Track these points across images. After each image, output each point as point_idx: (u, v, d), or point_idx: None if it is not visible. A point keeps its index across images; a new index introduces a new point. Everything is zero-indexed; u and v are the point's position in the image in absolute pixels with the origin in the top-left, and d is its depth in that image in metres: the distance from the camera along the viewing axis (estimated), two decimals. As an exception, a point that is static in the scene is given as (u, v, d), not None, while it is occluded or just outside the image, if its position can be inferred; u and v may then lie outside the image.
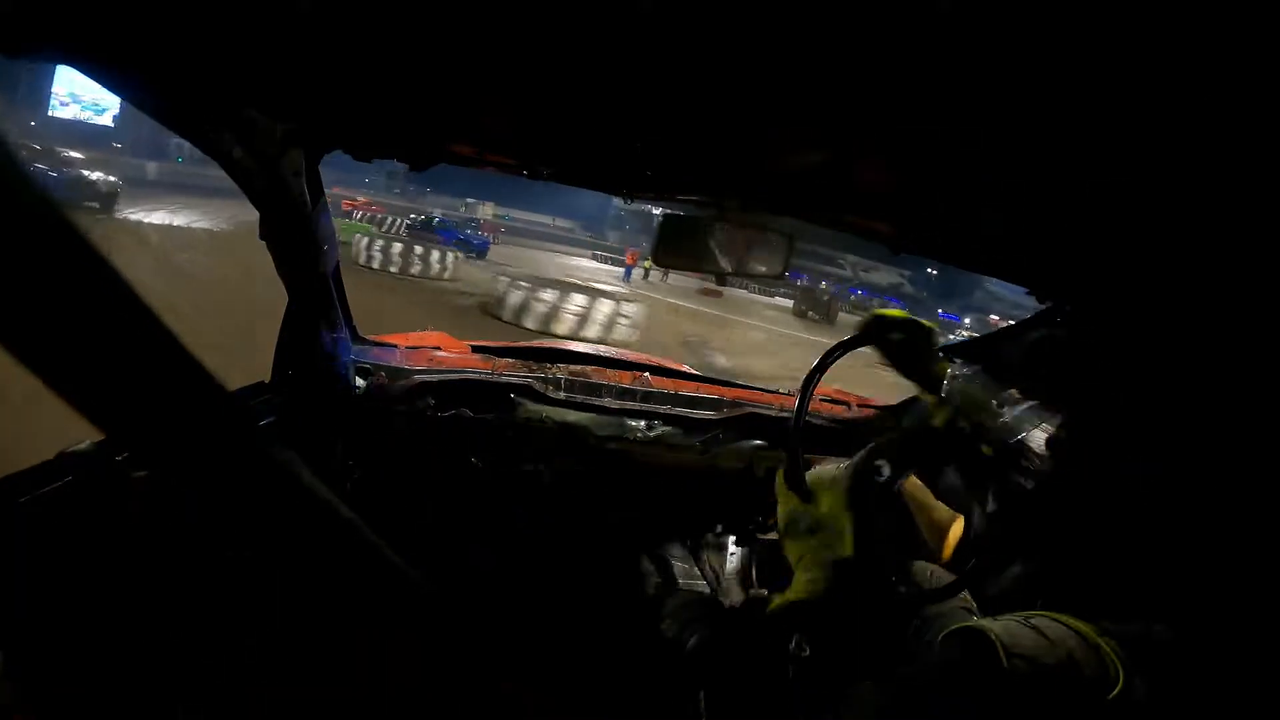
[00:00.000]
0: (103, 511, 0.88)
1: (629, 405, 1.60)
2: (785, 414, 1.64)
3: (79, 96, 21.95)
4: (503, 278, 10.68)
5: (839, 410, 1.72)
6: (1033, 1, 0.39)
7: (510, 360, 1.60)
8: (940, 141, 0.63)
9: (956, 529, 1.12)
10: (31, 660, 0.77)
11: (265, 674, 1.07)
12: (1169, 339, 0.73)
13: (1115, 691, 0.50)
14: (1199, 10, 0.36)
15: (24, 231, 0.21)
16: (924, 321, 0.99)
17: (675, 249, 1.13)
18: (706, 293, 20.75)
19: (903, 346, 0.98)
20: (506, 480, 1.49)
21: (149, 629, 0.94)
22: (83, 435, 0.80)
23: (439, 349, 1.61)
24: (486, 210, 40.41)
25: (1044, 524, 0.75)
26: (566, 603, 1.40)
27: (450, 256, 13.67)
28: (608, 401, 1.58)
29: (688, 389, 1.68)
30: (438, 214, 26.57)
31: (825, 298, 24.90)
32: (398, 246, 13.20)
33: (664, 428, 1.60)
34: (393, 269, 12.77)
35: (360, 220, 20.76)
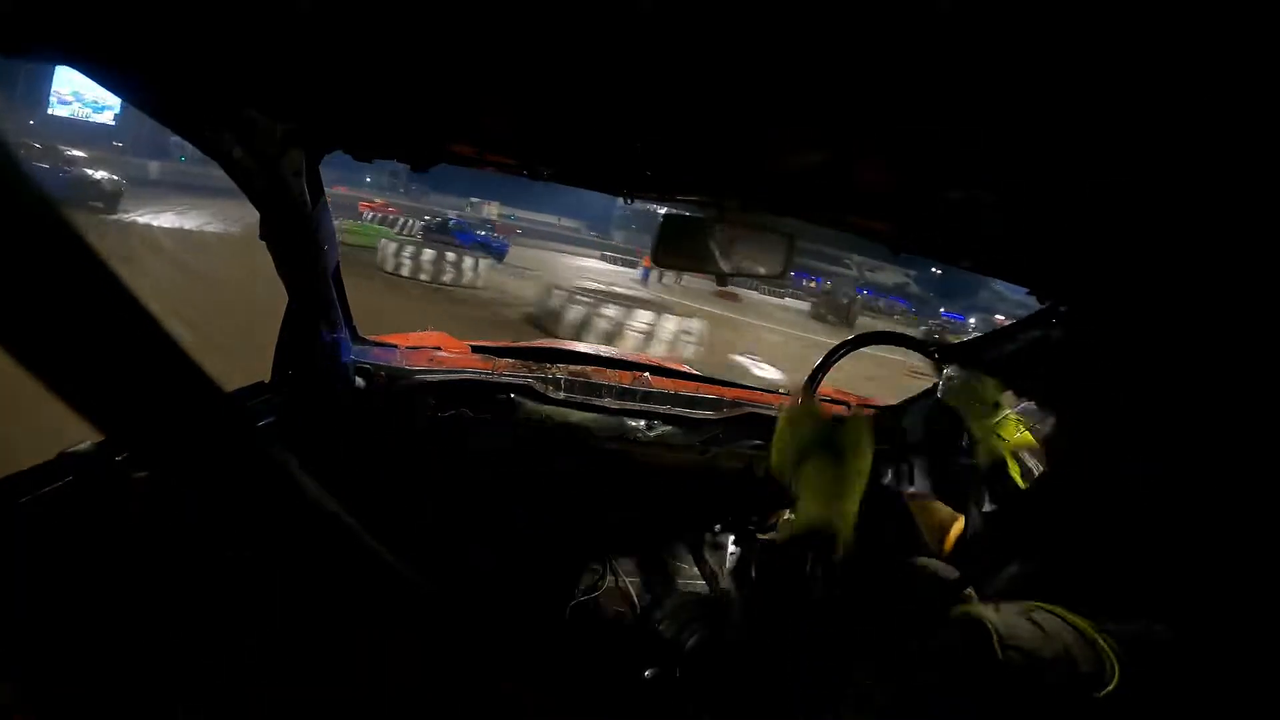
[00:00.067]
0: (103, 512, 0.88)
1: (629, 405, 1.60)
2: None
3: (81, 95, 21.81)
4: (558, 290, 10.09)
5: (839, 410, 1.72)
6: (1033, 1, 0.39)
7: (510, 360, 1.60)
8: (940, 141, 0.63)
9: (957, 529, 1.13)
10: (31, 660, 0.77)
11: (265, 674, 1.07)
12: (1168, 339, 0.73)
13: (1109, 688, 0.51)
14: (1199, 10, 0.36)
15: (23, 232, 0.21)
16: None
17: (676, 249, 1.13)
18: (722, 295, 20.28)
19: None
20: (506, 480, 1.49)
21: (149, 629, 0.94)
22: (83, 435, 0.80)
23: (439, 349, 1.61)
24: (492, 210, 39.75)
25: (1041, 524, 0.75)
26: (566, 603, 1.40)
27: (482, 263, 13.04)
28: (608, 401, 1.58)
29: (688, 389, 1.68)
30: (453, 215, 25.49)
31: (845, 301, 24.63)
32: (428, 253, 12.53)
33: (664, 427, 1.60)
34: (423, 276, 12.14)
35: (372, 222, 19.75)
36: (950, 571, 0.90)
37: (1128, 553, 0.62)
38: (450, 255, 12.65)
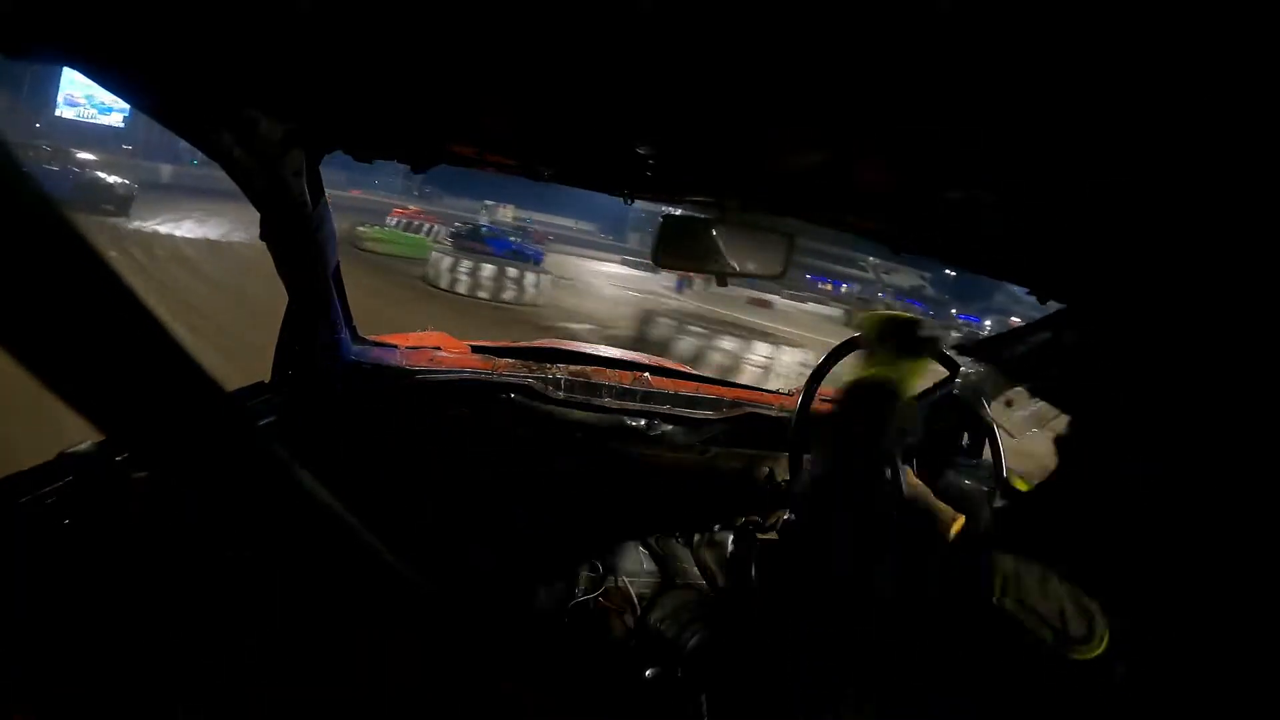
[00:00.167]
0: (103, 512, 0.88)
1: (629, 405, 1.60)
2: (785, 414, 1.64)
3: (94, 98, 21.41)
4: (664, 319, 9.12)
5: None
6: (1033, 1, 0.39)
7: (510, 360, 1.60)
8: (940, 141, 0.63)
9: (957, 529, 1.13)
10: (31, 660, 0.77)
11: (265, 674, 1.07)
12: (1168, 339, 0.73)
13: (1095, 651, 0.52)
14: (1199, 10, 0.36)
15: (23, 232, 0.21)
16: (902, 314, 1.02)
17: (676, 249, 1.13)
18: (756, 303, 19.87)
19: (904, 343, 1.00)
20: (506, 480, 1.49)
21: (149, 629, 0.94)
22: (83, 435, 0.80)
23: (439, 349, 1.61)
24: (507, 213, 38.74)
25: (1048, 522, 0.75)
26: (566, 603, 1.40)
27: (544, 279, 12.02)
28: (608, 401, 1.58)
29: (687, 389, 1.68)
30: (484, 221, 23.81)
31: (879, 308, 23.84)
32: (488, 268, 11.28)
33: (664, 427, 1.60)
34: (482, 294, 10.96)
35: (396, 228, 17.85)
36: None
37: (1129, 551, 0.62)
38: (512, 271, 11.55)
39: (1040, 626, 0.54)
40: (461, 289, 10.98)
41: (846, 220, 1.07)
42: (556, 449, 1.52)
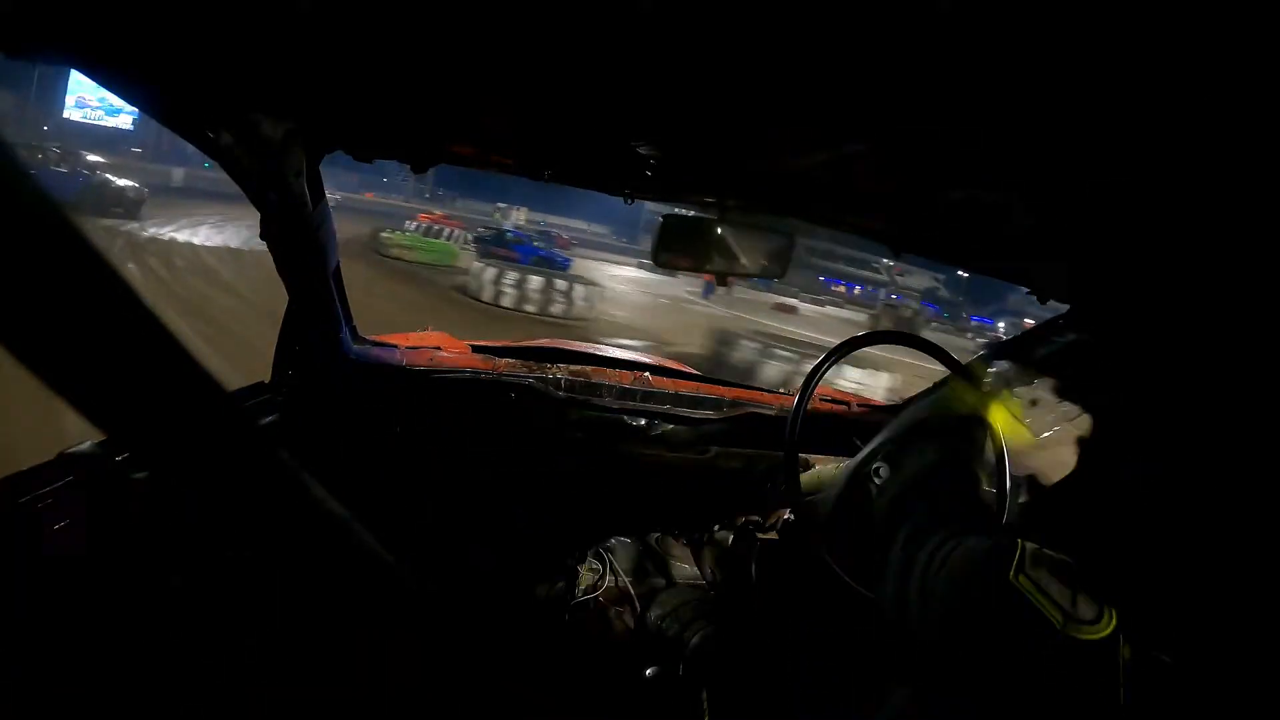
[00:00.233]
0: (103, 512, 0.88)
1: (629, 405, 1.60)
2: (785, 414, 1.64)
3: (106, 100, 20.99)
4: (747, 342, 8.39)
5: (839, 410, 1.72)
6: (1033, 1, 0.39)
7: (510, 360, 1.60)
8: (940, 142, 0.63)
9: None
10: (31, 660, 0.77)
11: (265, 674, 1.07)
12: (1169, 340, 0.73)
13: (1101, 634, 0.52)
14: (1200, 11, 0.36)
15: (23, 232, 0.21)
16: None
17: (676, 249, 1.13)
18: (781, 309, 19.66)
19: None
20: (506, 480, 1.49)
21: (149, 629, 0.94)
22: (83, 435, 0.80)
23: (439, 349, 1.61)
24: (520, 216, 37.93)
25: (1067, 517, 0.75)
26: (566, 602, 1.40)
27: (593, 290, 11.28)
28: (608, 401, 1.58)
29: (687, 389, 1.68)
30: (509, 225, 22.66)
31: (908, 314, 23.60)
32: (535, 280, 10.57)
33: (664, 427, 1.60)
34: (529, 308, 10.28)
35: (416, 233, 16.49)
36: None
37: (1127, 549, 0.63)
38: (560, 283, 10.80)
39: (1050, 607, 0.54)
40: (507, 302, 10.27)
41: (846, 220, 1.07)
42: (556, 449, 1.52)
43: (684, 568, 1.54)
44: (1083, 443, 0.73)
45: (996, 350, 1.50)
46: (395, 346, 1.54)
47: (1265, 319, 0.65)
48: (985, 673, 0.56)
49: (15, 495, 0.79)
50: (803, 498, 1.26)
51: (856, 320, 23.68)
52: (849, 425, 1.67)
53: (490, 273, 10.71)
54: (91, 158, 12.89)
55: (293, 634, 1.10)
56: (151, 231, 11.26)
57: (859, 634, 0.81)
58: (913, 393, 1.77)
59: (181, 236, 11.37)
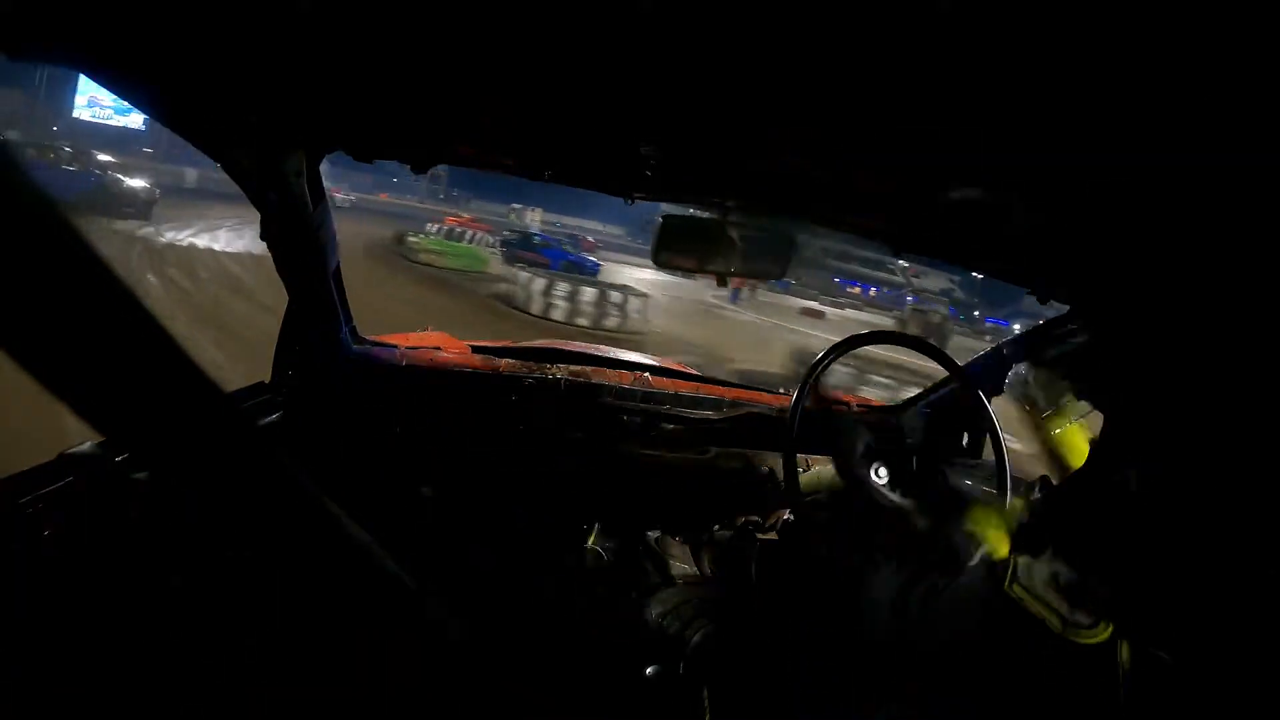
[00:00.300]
0: (103, 512, 0.88)
1: (629, 405, 1.60)
2: (785, 414, 1.64)
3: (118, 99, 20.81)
4: (839, 365, 7.49)
5: (839, 411, 1.72)
6: (1033, 1, 0.39)
7: (510, 360, 1.60)
8: (940, 142, 0.63)
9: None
10: (31, 660, 0.77)
11: (265, 674, 1.07)
12: (1169, 339, 0.73)
13: (1099, 638, 0.53)
14: (1200, 11, 0.36)
15: (23, 232, 0.21)
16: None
17: (676, 249, 1.13)
18: (808, 314, 19.46)
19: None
20: (506, 480, 1.49)
21: (149, 629, 0.94)
22: (83, 436, 0.80)
23: (439, 349, 1.61)
24: (535, 217, 36.84)
25: (1075, 517, 0.75)
26: (566, 602, 1.40)
27: (648, 302, 10.62)
28: (608, 401, 1.58)
29: (687, 389, 1.68)
30: (535, 229, 21.58)
31: (937, 319, 22.40)
32: (589, 292, 10.04)
33: (664, 426, 1.60)
34: (582, 321, 9.65)
35: (439, 236, 15.94)
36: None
37: (1127, 549, 0.62)
38: (615, 295, 10.20)
39: (1047, 613, 0.55)
40: (558, 315, 9.57)
41: (846, 220, 1.07)
42: (556, 449, 1.52)
43: (684, 567, 1.54)
44: (1103, 440, 0.73)
45: (997, 352, 1.50)
46: (395, 346, 1.54)
47: (1266, 319, 0.65)
48: (987, 677, 0.57)
49: (15, 495, 0.79)
50: (803, 498, 1.26)
51: (885, 326, 22.26)
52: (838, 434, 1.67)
53: (540, 283, 10.05)
54: (102, 157, 12.76)
55: (293, 634, 1.10)
56: (169, 236, 10.81)
57: (859, 634, 0.81)
58: (912, 393, 1.77)
59: (201, 242, 10.81)
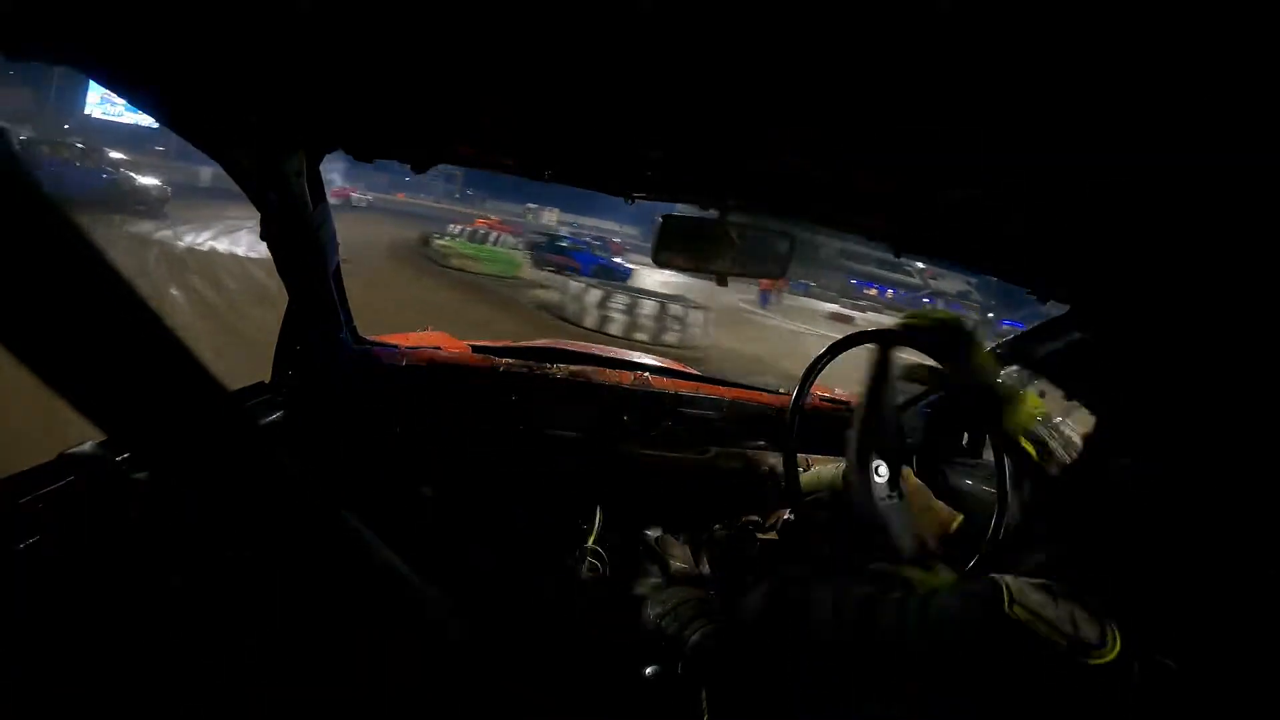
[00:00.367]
0: (103, 512, 0.87)
1: (629, 405, 1.60)
2: (785, 414, 1.64)
3: None
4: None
5: (839, 410, 1.72)
6: (1033, 1, 0.39)
7: (510, 360, 1.60)
8: (940, 142, 0.63)
9: (955, 526, 1.13)
10: (31, 660, 0.77)
11: (265, 674, 1.07)
12: (1169, 339, 0.73)
13: (1109, 656, 0.52)
14: (1200, 11, 0.36)
15: (24, 232, 0.21)
16: (950, 316, 1.00)
17: (676, 249, 1.13)
18: (837, 318, 19.37)
19: (938, 344, 1.00)
20: (506, 480, 1.49)
21: (149, 629, 0.94)
22: (84, 436, 0.80)
23: (439, 349, 1.61)
24: (551, 217, 36.52)
25: (1067, 514, 0.75)
26: (565, 601, 1.40)
27: (708, 315, 9.83)
28: (608, 401, 1.58)
29: (687, 389, 1.68)
30: (564, 231, 20.53)
31: (970, 326, 22.46)
32: (649, 305, 9.26)
33: (664, 426, 1.60)
34: (641, 336, 8.95)
35: (460, 238, 14.90)
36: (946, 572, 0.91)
37: (1126, 549, 0.62)
38: (675, 308, 9.44)
39: (1053, 634, 0.54)
40: (615, 329, 8.86)
41: (846, 220, 1.07)
42: (556, 449, 1.52)
43: (683, 567, 1.54)
44: (1082, 442, 0.73)
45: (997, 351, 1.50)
46: (395, 346, 1.54)
47: (1265, 319, 0.65)
48: (996, 700, 0.56)
49: (15, 495, 0.79)
50: (803, 498, 1.26)
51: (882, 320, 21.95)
52: (849, 425, 1.67)
53: (595, 295, 9.35)
54: (114, 155, 12.72)
55: (293, 634, 1.10)
56: (187, 240, 10.20)
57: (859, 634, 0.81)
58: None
59: (222, 246, 10.07)
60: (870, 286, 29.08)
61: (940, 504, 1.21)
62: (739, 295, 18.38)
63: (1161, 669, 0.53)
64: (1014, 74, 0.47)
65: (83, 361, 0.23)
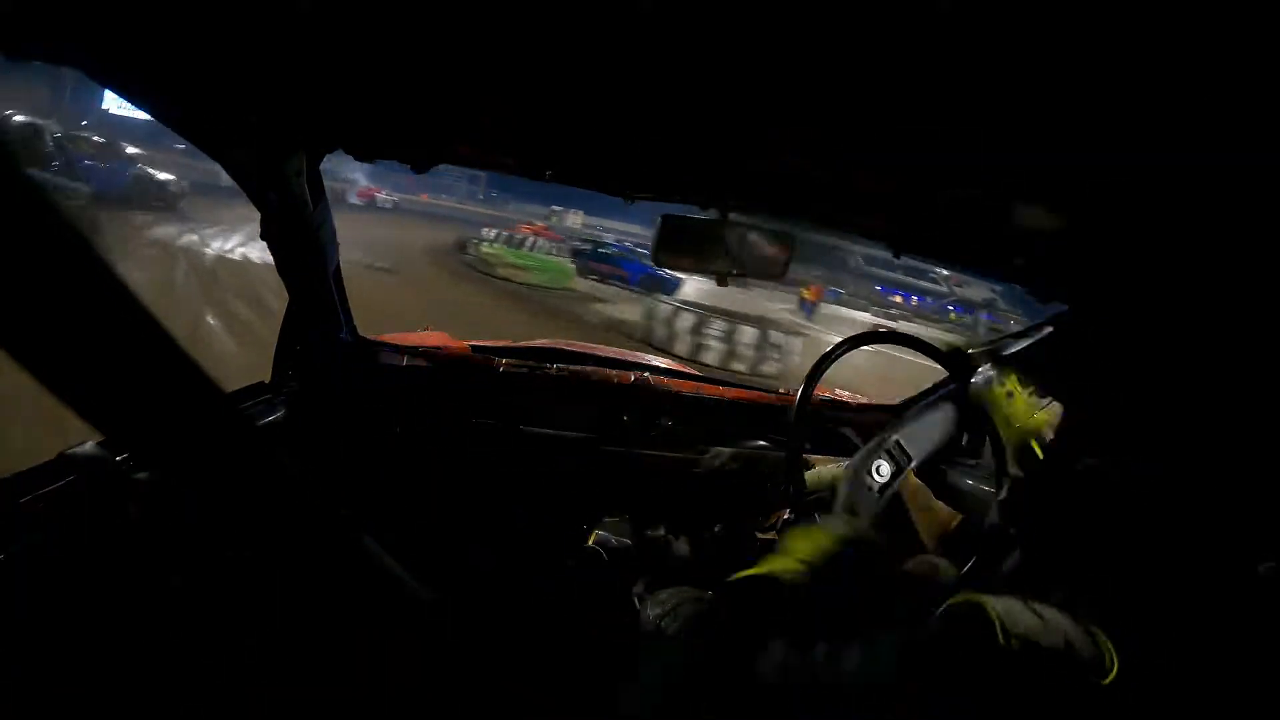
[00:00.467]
0: (103, 512, 0.87)
1: (629, 405, 1.60)
2: (785, 414, 1.64)
3: None
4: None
5: (839, 410, 1.72)
6: (1033, 1, 0.39)
7: (511, 360, 1.60)
8: (940, 142, 0.63)
9: (954, 526, 1.13)
10: (31, 660, 0.77)
11: (265, 674, 1.07)
12: (1168, 340, 0.73)
13: (1110, 676, 0.51)
14: (1200, 11, 0.36)
15: (23, 233, 0.21)
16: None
17: (676, 249, 1.13)
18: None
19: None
20: (506, 480, 1.49)
21: (149, 629, 0.94)
22: (83, 436, 0.80)
23: (439, 349, 1.61)
24: (576, 220, 35.56)
25: (1047, 515, 0.75)
26: (565, 601, 1.40)
27: (802, 342, 8.95)
28: (608, 401, 1.58)
29: (687, 389, 1.68)
30: (610, 238, 19.19)
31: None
32: (750, 332, 8.29)
33: (665, 426, 1.60)
34: (739, 366, 8.03)
35: (497, 243, 14.20)
36: (948, 568, 0.91)
37: (1125, 549, 0.62)
38: (776, 335, 8.52)
39: (1051, 660, 0.53)
40: (710, 358, 7.94)
41: (846, 220, 1.07)
42: (556, 449, 1.52)
43: (684, 568, 1.53)
44: (1081, 442, 0.73)
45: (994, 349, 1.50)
46: (395, 346, 1.54)
47: (1264, 319, 0.65)
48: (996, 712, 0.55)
49: (15, 495, 0.79)
50: (803, 498, 1.26)
51: (945, 338, 20.31)
52: (849, 425, 1.67)
53: (688, 319, 8.41)
54: (132, 150, 12.72)
55: (293, 634, 1.10)
56: (216, 247, 9.31)
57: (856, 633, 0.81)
58: (912, 393, 1.77)
59: (255, 254, 8.81)
60: (896, 293, 27.98)
61: (940, 504, 1.21)
62: (779, 304, 16.70)
63: (1157, 673, 0.53)
64: (1014, 74, 0.47)
65: (82, 362, 0.23)
